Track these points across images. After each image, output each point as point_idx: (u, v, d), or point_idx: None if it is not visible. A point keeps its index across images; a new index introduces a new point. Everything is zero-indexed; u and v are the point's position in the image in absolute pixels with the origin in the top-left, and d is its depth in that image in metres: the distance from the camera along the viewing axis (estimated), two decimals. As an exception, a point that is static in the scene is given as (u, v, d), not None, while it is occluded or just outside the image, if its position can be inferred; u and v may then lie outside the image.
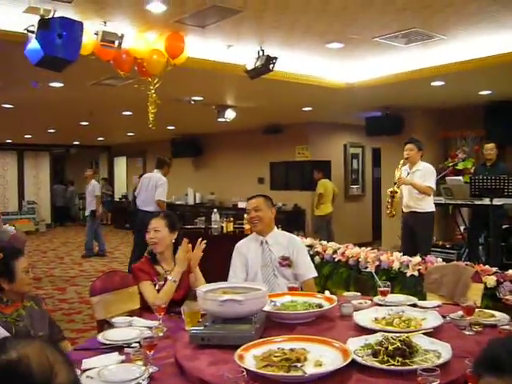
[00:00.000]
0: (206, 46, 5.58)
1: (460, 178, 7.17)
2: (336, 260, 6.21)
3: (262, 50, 5.54)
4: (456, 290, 3.80)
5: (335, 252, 6.31)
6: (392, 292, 4.87)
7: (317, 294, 3.09)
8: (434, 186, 6.22)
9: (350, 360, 2.00)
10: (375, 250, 6.08)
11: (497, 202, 6.69)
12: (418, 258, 5.53)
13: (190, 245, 3.41)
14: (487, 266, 5.04)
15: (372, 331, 2.39)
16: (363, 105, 8.78)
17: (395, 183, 6.26)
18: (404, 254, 5.93)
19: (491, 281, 4.78)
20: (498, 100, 8.25)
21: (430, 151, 9.00)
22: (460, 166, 8.49)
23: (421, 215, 6.31)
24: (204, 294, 2.52)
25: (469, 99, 8.26)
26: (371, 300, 3.11)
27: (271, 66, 5.46)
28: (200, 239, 3.48)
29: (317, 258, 6.46)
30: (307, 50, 5.88)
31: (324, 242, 6.75)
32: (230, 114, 8.74)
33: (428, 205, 6.31)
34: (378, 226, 10.73)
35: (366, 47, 5.80)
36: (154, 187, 7.56)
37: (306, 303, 2.80)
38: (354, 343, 2.22)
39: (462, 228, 8.46)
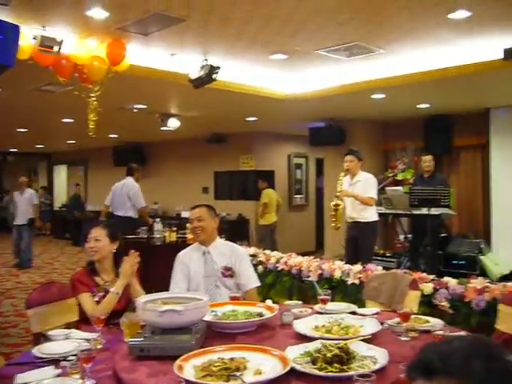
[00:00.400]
0: (148, 54, 5.54)
1: (400, 188, 7.38)
2: (279, 269, 6.24)
3: (206, 60, 5.55)
4: (394, 298, 3.88)
5: (278, 261, 6.35)
6: (334, 300, 4.94)
7: (258, 303, 3.09)
8: (375, 196, 6.30)
9: (288, 368, 2.01)
10: (318, 259, 6.15)
11: (434, 211, 6.91)
12: (358, 267, 5.63)
13: (137, 258, 3.35)
14: (425, 274, 5.19)
15: (312, 339, 2.41)
16: (307, 115, 8.91)
17: (337, 196, 6.33)
18: (347, 263, 6.07)
19: (428, 288, 4.91)
20: (435, 113, 8.55)
21: (372, 162, 9.24)
22: (400, 177, 8.72)
23: (364, 225, 6.39)
24: (143, 305, 2.48)
25: (408, 112, 8.53)
26: (312, 308, 3.15)
27: (214, 75, 5.47)
28: (132, 250, 3.41)
29: (260, 268, 6.49)
30: (251, 61, 5.94)
31: (267, 252, 6.77)
32: (173, 123, 8.68)
33: (371, 214, 6.39)
34: (321, 236, 10.88)
35: (308, 59, 5.90)
36: (127, 194, 7.94)
37: (246, 312, 2.81)
38: (294, 351, 2.23)
39: (401, 237, 8.68)
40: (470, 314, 4.61)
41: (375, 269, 5.50)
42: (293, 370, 2.04)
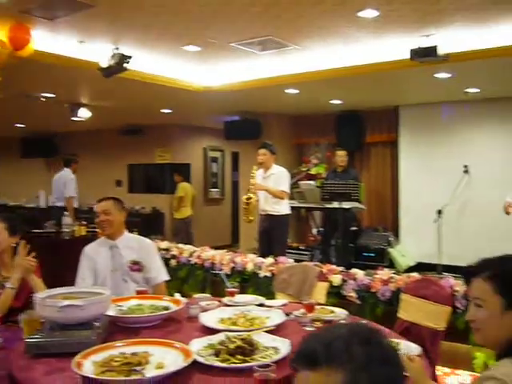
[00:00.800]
0: (56, 41, 5.31)
1: (312, 182, 7.52)
2: (192, 263, 6.21)
3: (117, 48, 5.40)
4: (303, 289, 3.96)
5: (191, 255, 6.31)
6: (245, 293, 4.98)
7: (164, 297, 3.05)
8: (288, 189, 6.37)
9: (191, 360, 1.99)
10: (230, 253, 6.16)
11: (345, 205, 7.10)
12: (270, 260, 5.70)
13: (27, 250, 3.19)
14: (334, 266, 5.32)
15: (216, 331, 2.40)
16: (222, 109, 8.89)
17: (249, 190, 6.35)
18: (260, 256, 6.11)
19: (337, 280, 5.04)
20: (347, 110, 8.79)
21: (286, 156, 9.38)
22: (313, 171, 8.90)
23: (276, 218, 6.44)
24: (42, 300, 2.37)
25: (322, 108, 8.72)
26: (220, 301, 3.14)
27: (125, 64, 5.33)
28: (23, 241, 3.23)
29: (173, 262, 6.42)
30: (164, 51, 5.83)
31: (181, 245, 6.72)
32: (84, 113, 8.40)
33: (283, 208, 6.44)
34: (236, 229, 10.91)
35: (223, 52, 5.88)
36: (64, 184, 8.38)
37: (152, 306, 2.76)
38: (198, 344, 2.21)
39: (314, 230, 8.88)
40: (377, 303, 4.77)
41: (287, 261, 5.58)
42: (196, 363, 2.02)
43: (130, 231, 3.96)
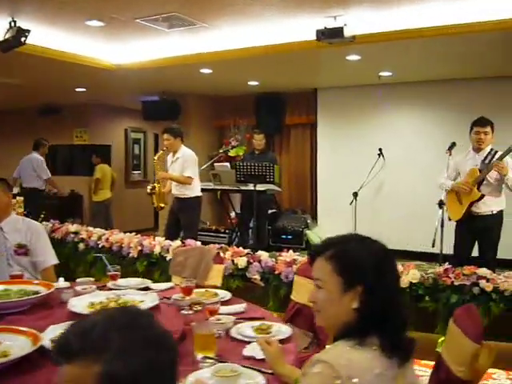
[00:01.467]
0: None
1: (227, 164, 7.44)
2: (100, 246, 6.04)
3: (14, 22, 5.11)
4: (197, 272, 3.88)
5: (100, 238, 6.15)
6: (152, 277, 4.89)
7: (34, 281, 2.91)
8: (193, 174, 6.27)
9: (37, 346, 1.89)
10: (139, 236, 6.04)
11: (260, 187, 7.08)
12: (178, 242, 5.62)
13: None
14: (241, 248, 5.30)
15: (84, 316, 2.29)
16: (139, 88, 8.64)
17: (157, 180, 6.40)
18: (167, 239, 6.00)
19: (242, 262, 5.02)
20: (267, 91, 8.74)
21: (206, 138, 9.30)
22: (232, 153, 8.82)
23: (185, 201, 6.39)
24: None
25: (240, 89, 8.63)
26: (104, 285, 3.03)
27: (23, 38, 5.05)
28: None
29: (81, 245, 6.25)
30: (65, 26, 5.55)
31: (90, 228, 6.54)
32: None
33: (192, 191, 6.38)
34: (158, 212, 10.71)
35: (129, 29, 5.66)
36: (32, 167, 8.86)
37: (21, 291, 2.62)
38: (54, 330, 2.11)
39: (232, 213, 8.84)
40: (280, 286, 4.78)
41: (195, 245, 5.51)
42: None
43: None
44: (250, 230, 8.06)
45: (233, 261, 5.03)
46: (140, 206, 11.76)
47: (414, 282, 4.18)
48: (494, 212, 4.98)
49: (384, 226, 7.39)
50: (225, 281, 4.99)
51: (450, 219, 5.14)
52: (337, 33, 5.09)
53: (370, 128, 8.08)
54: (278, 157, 9.14)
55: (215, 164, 7.53)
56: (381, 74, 7.09)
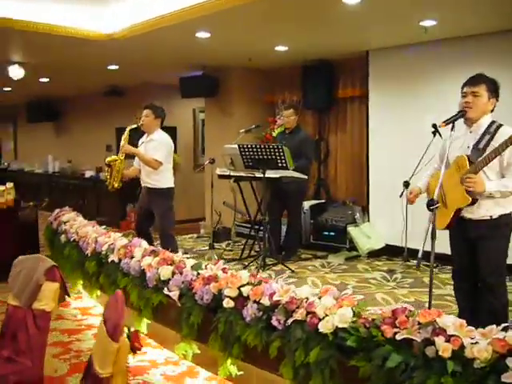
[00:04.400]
0: None
1: (235, 145, 6.16)
2: (71, 240, 5.39)
3: None
4: (25, 291, 2.83)
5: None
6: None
7: None
8: (163, 160, 5.42)
9: None
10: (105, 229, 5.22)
11: (273, 174, 5.77)
12: (123, 241, 4.61)
13: None
14: (180, 254, 4.17)
15: None
16: (177, 62, 7.70)
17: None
18: (139, 234, 5.43)
19: (166, 273, 3.87)
20: (313, 58, 7.28)
21: (252, 116, 8.07)
22: (276, 133, 7.52)
23: (155, 191, 5.54)
24: None
25: (282, 58, 7.27)
26: None
27: None
28: None
29: (63, 237, 5.66)
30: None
31: (78, 218, 5.95)
32: (15, 72, 7.52)
33: (164, 181, 5.55)
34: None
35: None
36: None
37: None
38: None
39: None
40: (192, 308, 3.55)
41: (139, 245, 4.46)
42: None
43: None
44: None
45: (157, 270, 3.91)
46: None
47: (341, 326, 2.71)
48: (494, 217, 3.26)
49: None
50: (148, 296, 3.96)
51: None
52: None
53: (424, 98, 6.30)
54: (333, 137, 7.69)
55: (225, 146, 6.33)
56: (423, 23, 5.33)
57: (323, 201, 7.53)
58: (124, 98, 10.67)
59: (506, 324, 2.41)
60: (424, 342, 2.46)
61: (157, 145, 5.45)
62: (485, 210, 3.26)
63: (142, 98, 10.34)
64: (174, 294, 3.67)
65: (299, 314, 2.91)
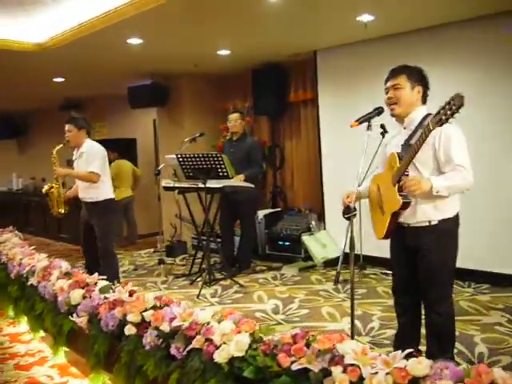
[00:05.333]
0: None
1: (174, 156, 5.86)
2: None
3: None
4: None
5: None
6: None
7: None
8: (99, 170, 5.11)
9: None
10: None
11: (215, 184, 5.48)
12: (44, 263, 4.27)
13: None
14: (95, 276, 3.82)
15: None
16: (123, 71, 7.39)
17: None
18: (84, 254, 5.49)
19: (76, 296, 3.55)
20: (265, 62, 7.00)
21: (205, 125, 7.73)
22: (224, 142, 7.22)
23: (94, 205, 5.22)
24: None
25: (232, 64, 6.99)
26: None
27: None
28: None
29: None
30: None
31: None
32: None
33: (102, 193, 5.23)
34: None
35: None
36: None
37: None
38: None
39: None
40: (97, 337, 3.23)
41: (59, 266, 4.13)
42: None
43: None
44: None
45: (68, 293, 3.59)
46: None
47: (236, 355, 2.40)
48: (434, 223, 2.93)
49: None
50: (60, 322, 3.63)
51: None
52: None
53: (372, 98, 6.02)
54: (288, 143, 7.41)
55: (165, 156, 6.03)
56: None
57: (279, 209, 7.24)
58: (81, 112, 10.32)
59: (410, 350, 2.11)
60: (323, 371, 2.17)
61: (87, 157, 5.14)
62: (421, 214, 2.91)
63: (100, 110, 10.10)
64: (82, 321, 3.35)
65: (196, 342, 2.60)
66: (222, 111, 7.92)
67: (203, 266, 6.03)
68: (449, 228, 2.91)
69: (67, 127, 5.22)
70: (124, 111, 9.92)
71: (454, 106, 2.49)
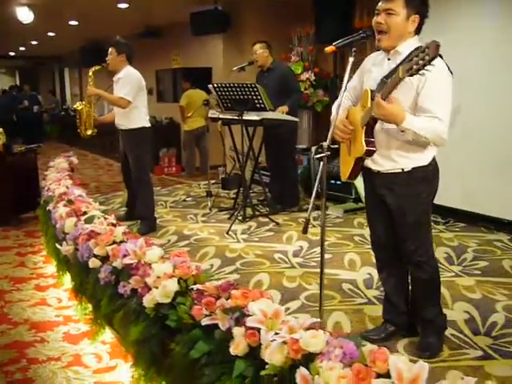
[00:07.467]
0: None
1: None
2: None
3: None
4: None
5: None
6: None
7: None
8: (128, 96, 4.92)
9: None
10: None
11: (255, 116, 5.19)
12: (62, 189, 4.33)
13: None
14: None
15: None
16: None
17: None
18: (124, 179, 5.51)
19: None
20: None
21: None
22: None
23: (127, 133, 5.14)
24: None
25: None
26: None
27: None
28: None
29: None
30: None
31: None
32: (24, 15, 7.33)
33: (134, 121, 5.08)
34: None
35: None
36: None
37: None
38: None
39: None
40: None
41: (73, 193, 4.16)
42: None
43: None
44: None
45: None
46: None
47: (161, 301, 2.23)
48: (407, 169, 2.54)
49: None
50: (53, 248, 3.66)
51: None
52: None
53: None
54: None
55: (209, 86, 5.76)
56: None
57: (336, 146, 6.80)
58: (160, 39, 10.29)
59: (315, 320, 1.83)
60: (228, 331, 1.95)
61: (123, 82, 5.00)
62: (393, 162, 2.57)
63: (179, 38, 9.94)
64: (68, 249, 3.34)
65: (135, 282, 2.47)
66: (286, 39, 7.46)
67: (240, 201, 5.87)
68: (423, 176, 2.57)
69: (109, 50, 5.09)
70: (199, 40, 9.76)
71: (427, 55, 2.08)
